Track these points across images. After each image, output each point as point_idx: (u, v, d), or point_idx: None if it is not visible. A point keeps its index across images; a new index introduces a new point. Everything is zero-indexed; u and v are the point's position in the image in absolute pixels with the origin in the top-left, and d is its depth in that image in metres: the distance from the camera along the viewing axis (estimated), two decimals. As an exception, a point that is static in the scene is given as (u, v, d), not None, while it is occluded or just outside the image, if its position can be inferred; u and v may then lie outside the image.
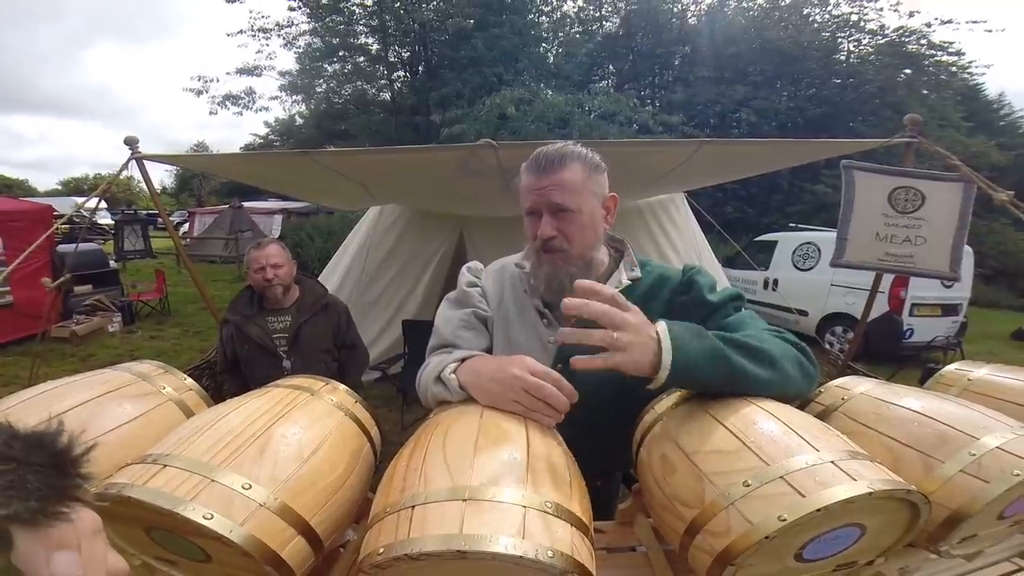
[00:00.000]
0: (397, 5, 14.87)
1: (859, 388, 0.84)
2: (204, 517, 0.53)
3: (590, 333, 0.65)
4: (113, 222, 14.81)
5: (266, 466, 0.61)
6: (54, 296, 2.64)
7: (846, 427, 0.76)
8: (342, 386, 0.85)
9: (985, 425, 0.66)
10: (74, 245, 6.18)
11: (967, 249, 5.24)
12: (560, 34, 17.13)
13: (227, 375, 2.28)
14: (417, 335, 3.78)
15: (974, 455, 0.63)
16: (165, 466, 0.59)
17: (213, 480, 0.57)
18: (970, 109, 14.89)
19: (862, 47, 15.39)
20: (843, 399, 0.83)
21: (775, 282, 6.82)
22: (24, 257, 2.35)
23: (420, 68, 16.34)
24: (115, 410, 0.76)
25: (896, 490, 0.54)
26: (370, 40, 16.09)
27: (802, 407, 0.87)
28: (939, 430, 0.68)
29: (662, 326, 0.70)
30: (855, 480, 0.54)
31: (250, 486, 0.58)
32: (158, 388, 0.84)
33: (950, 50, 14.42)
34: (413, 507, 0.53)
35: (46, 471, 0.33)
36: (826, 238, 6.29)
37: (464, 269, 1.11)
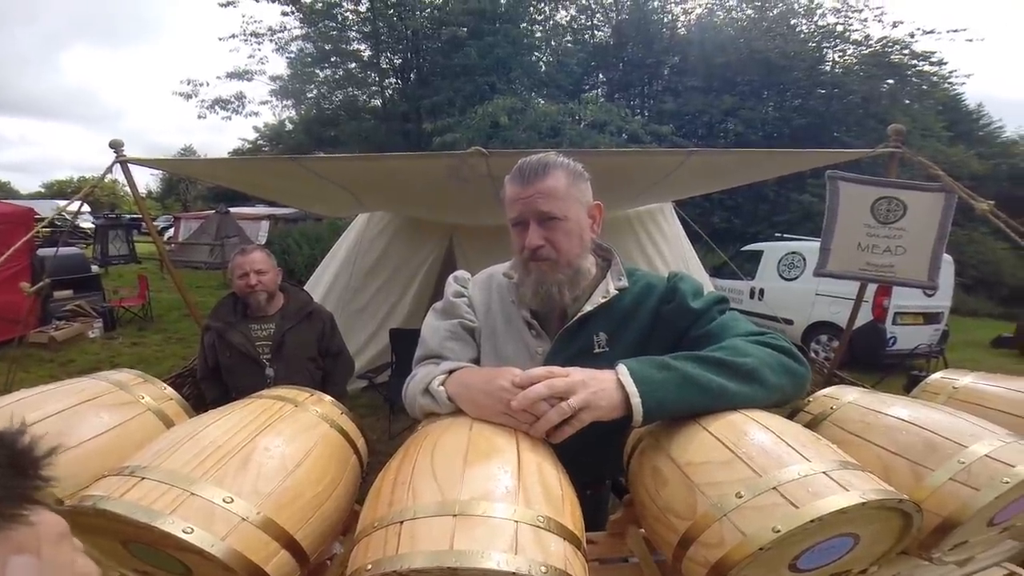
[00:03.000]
0: (390, 12, 14.90)
1: (847, 397, 0.84)
2: (184, 531, 0.52)
3: (547, 416, 0.67)
4: (94, 226, 14.53)
5: (248, 479, 0.59)
6: (32, 300, 2.57)
7: (836, 436, 0.76)
8: (327, 397, 0.84)
9: (973, 433, 0.67)
10: (54, 249, 6.06)
11: (947, 258, 5.35)
12: (552, 43, 17.30)
13: (207, 382, 2.22)
14: (405, 344, 3.74)
15: (963, 463, 0.63)
16: (143, 479, 0.57)
17: (193, 493, 0.56)
18: (951, 119, 15.30)
19: (847, 57, 15.75)
20: (832, 408, 0.83)
21: (761, 292, 6.91)
22: (1, 262, 2.29)
23: (412, 75, 16.36)
24: (92, 420, 0.74)
25: (888, 499, 0.54)
26: (362, 46, 16.08)
27: (791, 416, 0.87)
28: (928, 439, 0.68)
29: (621, 368, 0.73)
30: (847, 490, 0.54)
31: (232, 500, 0.57)
32: (136, 397, 0.82)
33: (932, 60, 14.78)
34: (402, 522, 0.52)
35: (2, 471, 0.32)
36: (811, 248, 6.38)
37: (451, 279, 1.10)
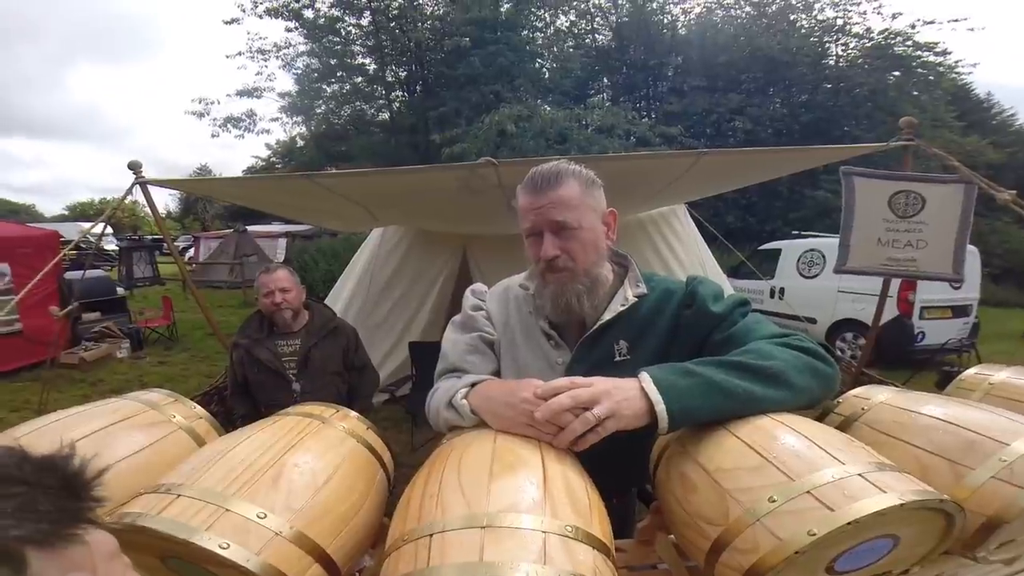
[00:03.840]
0: (393, 25, 15.12)
1: (879, 397, 0.82)
2: (220, 547, 0.53)
3: (572, 427, 0.67)
4: (117, 248, 14.92)
5: (280, 495, 0.61)
6: (62, 323, 2.66)
7: (869, 438, 0.74)
8: (353, 413, 0.85)
9: (1014, 430, 0.65)
10: (81, 272, 6.23)
11: (972, 249, 5.19)
12: (555, 49, 17.36)
13: (237, 398, 2.29)
14: (425, 357, 3.76)
15: (1005, 461, 0.61)
16: (179, 496, 0.58)
17: (227, 510, 0.57)
18: (961, 108, 14.93)
19: (850, 51, 15.51)
20: (863, 409, 0.81)
21: (781, 291, 6.78)
22: (31, 286, 2.38)
23: (418, 87, 16.56)
24: (126, 439, 0.76)
25: (928, 500, 0.53)
26: (367, 60, 16.33)
27: (821, 418, 0.85)
28: (966, 437, 0.66)
29: (644, 375, 0.72)
30: (885, 492, 0.52)
31: (265, 515, 0.58)
32: (168, 417, 0.83)
33: (936, 50, 14.48)
34: (431, 535, 0.52)
35: (57, 493, 0.34)
36: (830, 244, 6.25)
37: (468, 292, 1.10)
